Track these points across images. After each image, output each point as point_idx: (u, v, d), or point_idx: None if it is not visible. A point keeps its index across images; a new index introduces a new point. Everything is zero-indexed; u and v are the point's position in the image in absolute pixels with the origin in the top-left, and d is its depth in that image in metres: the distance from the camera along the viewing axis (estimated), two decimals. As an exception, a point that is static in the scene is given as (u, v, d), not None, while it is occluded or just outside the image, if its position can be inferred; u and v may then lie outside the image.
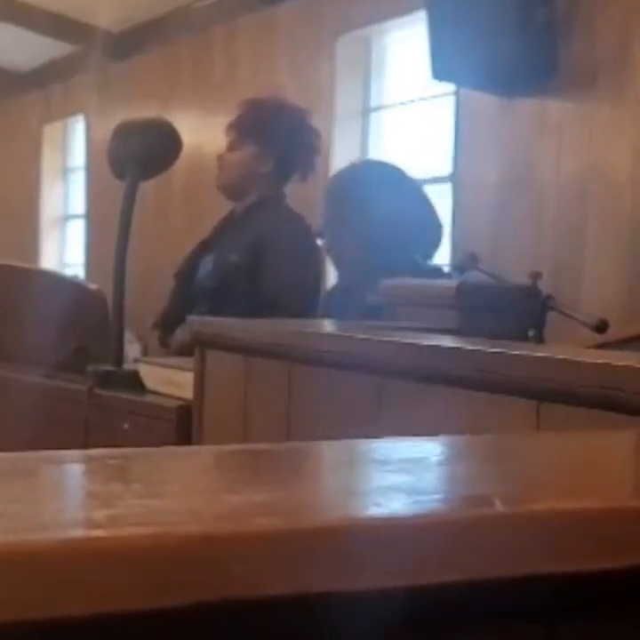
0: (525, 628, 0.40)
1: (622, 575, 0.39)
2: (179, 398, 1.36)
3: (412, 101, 3.43)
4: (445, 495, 0.41)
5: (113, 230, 1.63)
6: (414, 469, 0.44)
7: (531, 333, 1.13)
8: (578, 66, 2.64)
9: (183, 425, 1.30)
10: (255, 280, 1.87)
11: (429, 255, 1.69)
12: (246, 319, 1.35)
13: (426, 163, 3.30)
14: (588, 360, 0.72)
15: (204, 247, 2.03)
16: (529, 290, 1.16)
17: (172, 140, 1.70)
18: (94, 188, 4.84)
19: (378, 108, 3.60)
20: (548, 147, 2.74)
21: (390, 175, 1.74)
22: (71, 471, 0.42)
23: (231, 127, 2.01)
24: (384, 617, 0.36)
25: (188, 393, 1.29)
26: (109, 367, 1.54)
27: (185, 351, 1.54)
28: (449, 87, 2.98)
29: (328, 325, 1.26)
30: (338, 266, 1.74)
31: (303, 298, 1.84)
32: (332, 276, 1.82)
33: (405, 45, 3.41)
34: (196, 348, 1.24)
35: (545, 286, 1.19)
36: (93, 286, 1.84)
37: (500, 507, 0.38)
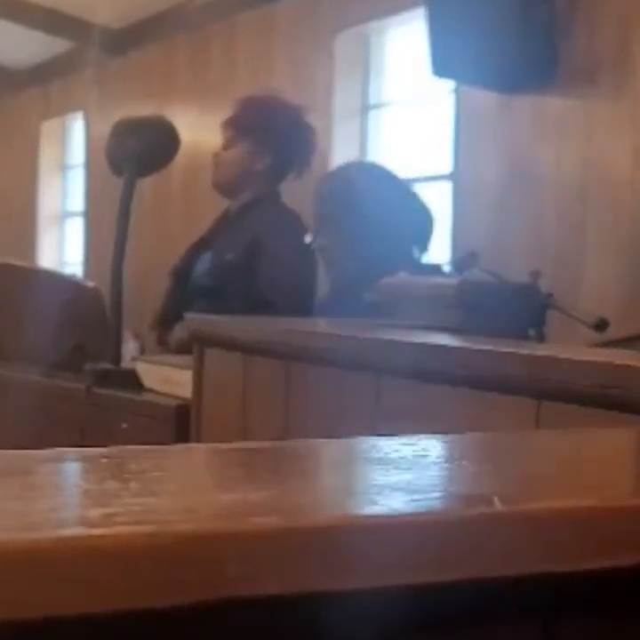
0: (524, 626, 0.40)
1: (622, 574, 0.39)
2: (177, 397, 1.36)
3: (412, 99, 3.43)
4: (444, 494, 0.41)
5: (112, 228, 1.62)
6: (413, 468, 0.44)
7: (530, 332, 1.13)
8: (578, 63, 2.64)
9: (181, 423, 1.29)
10: (251, 278, 1.87)
11: (424, 248, 1.71)
12: (245, 317, 1.35)
13: (425, 161, 3.29)
14: (588, 359, 0.72)
15: (201, 245, 2.03)
16: (529, 288, 1.16)
17: (170, 137, 1.70)
18: (93, 185, 4.84)
19: (377, 106, 3.60)
20: (547, 144, 2.74)
21: (379, 175, 1.77)
22: (68, 470, 0.42)
23: (227, 125, 2.01)
24: (382, 616, 0.36)
25: (186, 391, 1.28)
26: (107, 365, 1.53)
27: (183, 349, 1.54)
28: (448, 84, 2.97)
29: (327, 324, 1.25)
30: (333, 265, 1.74)
31: (299, 296, 1.84)
32: (323, 276, 1.82)
33: (404, 42, 3.41)
34: (194, 346, 1.23)
35: (545, 285, 1.18)
36: (91, 285, 1.83)
37: (499, 506, 0.37)
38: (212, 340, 1.21)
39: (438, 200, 3.10)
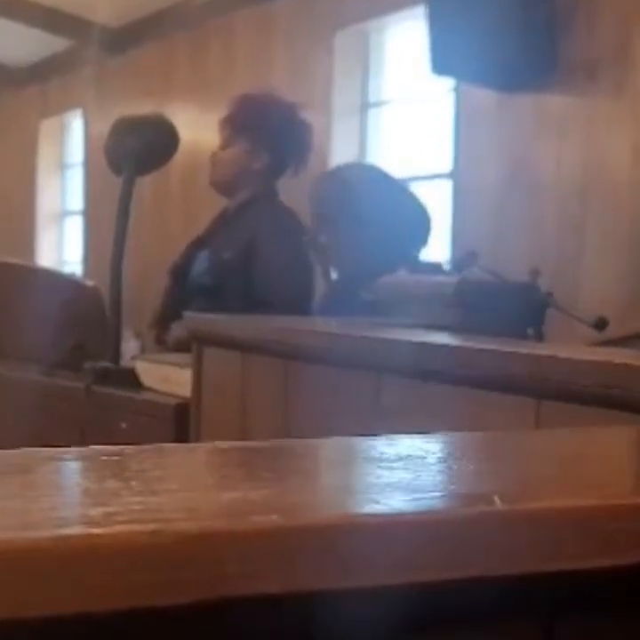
0: (524, 625, 0.40)
1: (622, 573, 0.39)
2: (176, 396, 1.36)
3: (411, 97, 3.43)
4: (444, 493, 0.41)
5: (111, 227, 1.62)
6: (413, 467, 0.44)
7: (529, 331, 1.13)
8: (578, 61, 2.63)
9: (181, 422, 1.29)
10: (249, 277, 1.88)
11: (422, 247, 1.72)
12: (243, 316, 1.35)
13: (425, 159, 3.29)
14: (588, 358, 0.72)
15: (199, 244, 2.03)
16: (528, 287, 1.16)
17: (169, 136, 1.70)
18: (92, 184, 4.83)
19: (376, 104, 3.59)
20: (547, 142, 2.74)
21: (375, 175, 1.79)
22: (68, 469, 0.42)
23: (223, 124, 2.01)
24: (383, 615, 0.36)
25: (185, 390, 1.28)
26: (107, 364, 1.53)
27: (181, 348, 1.54)
28: (448, 82, 2.97)
29: (326, 323, 1.25)
30: (332, 265, 1.74)
31: (296, 295, 1.84)
32: (320, 276, 1.83)
33: (404, 40, 3.41)
34: (193, 345, 1.23)
35: (544, 283, 1.18)
36: (90, 283, 1.83)
37: (499, 505, 0.37)
38: (211, 338, 1.21)
39: (438, 199, 3.10)
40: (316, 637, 0.36)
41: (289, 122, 1.98)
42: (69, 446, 0.43)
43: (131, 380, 1.48)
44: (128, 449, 0.44)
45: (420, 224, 1.73)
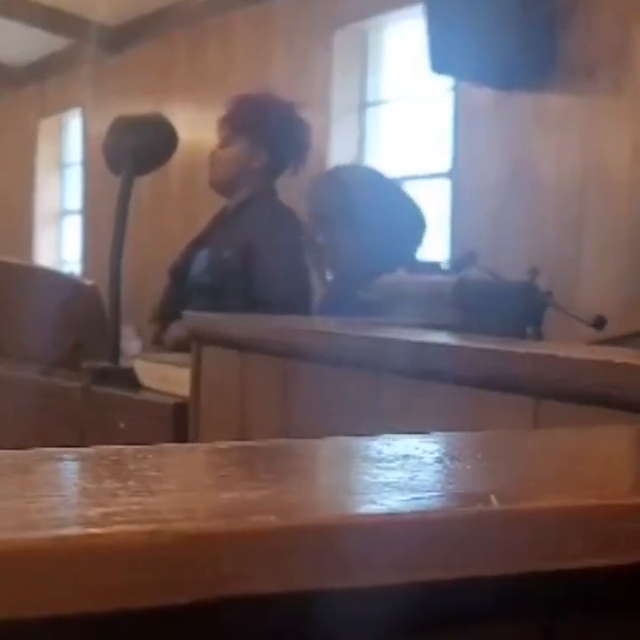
0: (523, 625, 0.40)
1: (621, 572, 0.39)
2: (175, 395, 1.36)
3: (410, 96, 3.43)
4: (442, 493, 0.41)
5: (110, 226, 1.62)
6: (411, 467, 0.44)
7: (529, 330, 1.13)
8: (577, 59, 2.63)
9: (179, 421, 1.29)
10: (248, 277, 1.88)
11: (418, 246, 1.74)
12: (242, 315, 1.35)
13: (424, 158, 3.29)
14: (587, 357, 0.72)
15: (198, 243, 2.04)
16: (527, 287, 1.16)
17: (168, 135, 1.70)
18: (91, 183, 4.83)
19: (375, 103, 3.59)
20: (546, 140, 2.74)
21: (370, 176, 1.82)
22: (66, 469, 0.42)
23: (222, 123, 2.02)
24: (381, 615, 0.36)
25: (184, 390, 1.28)
26: (105, 364, 1.53)
27: (180, 347, 1.54)
28: (447, 81, 2.97)
29: (325, 322, 1.25)
30: (329, 265, 1.75)
31: (295, 295, 1.85)
32: (315, 277, 1.84)
33: (403, 39, 3.40)
34: (192, 344, 1.23)
35: (543, 282, 1.18)
36: (89, 283, 1.83)
37: (496, 504, 0.37)
38: (210, 337, 1.20)
39: (436, 198, 3.10)
40: (314, 638, 0.36)
41: (287, 121, 1.99)
42: (68, 446, 0.43)
43: (129, 379, 1.48)
44: (126, 449, 0.44)
45: (415, 224, 1.75)
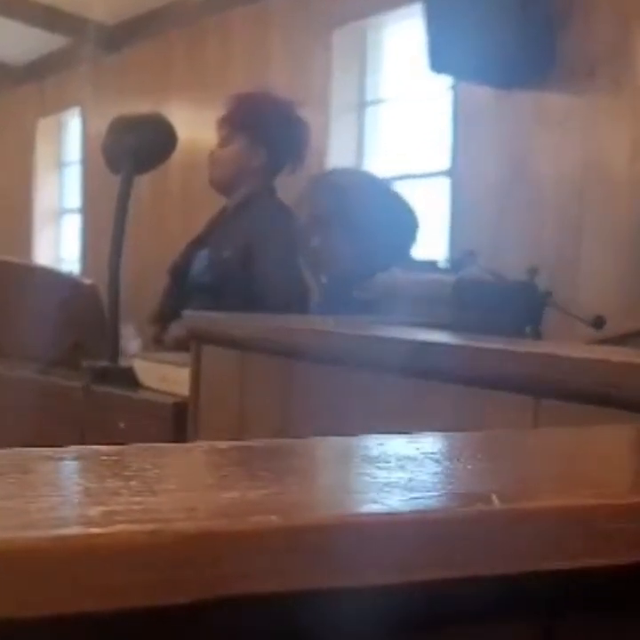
0: (523, 624, 0.40)
1: (621, 572, 0.39)
2: (174, 394, 1.36)
3: (409, 95, 3.43)
4: (442, 492, 0.41)
5: (109, 225, 1.62)
6: (411, 466, 0.44)
7: (528, 330, 1.13)
8: (576, 57, 2.63)
9: (179, 421, 1.29)
10: (248, 277, 1.88)
11: (413, 245, 1.75)
12: (242, 314, 1.35)
13: (423, 157, 3.29)
14: (586, 356, 0.72)
15: (198, 243, 2.04)
16: (526, 286, 1.16)
17: (168, 135, 1.70)
18: (90, 182, 4.82)
19: (374, 102, 3.59)
20: (546, 139, 2.74)
21: (363, 178, 1.86)
22: (66, 468, 0.42)
23: (221, 123, 2.02)
24: (381, 614, 0.36)
25: (183, 389, 1.28)
26: (105, 363, 1.53)
27: (180, 347, 1.54)
28: (446, 80, 2.97)
29: (325, 321, 1.25)
30: (327, 266, 1.75)
31: (294, 294, 1.85)
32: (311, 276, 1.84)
33: (402, 38, 3.40)
34: (191, 343, 1.23)
35: (543, 282, 1.18)
36: (88, 282, 1.83)
37: (497, 504, 0.38)
38: (210, 337, 1.20)
39: (436, 197, 3.10)
40: (314, 637, 0.36)
41: (286, 119, 1.99)
42: (67, 445, 0.43)
43: (129, 378, 1.48)
44: (127, 448, 0.44)
45: (408, 224, 1.77)
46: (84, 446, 0.44)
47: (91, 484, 0.39)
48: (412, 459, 0.46)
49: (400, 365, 0.86)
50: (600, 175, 2.61)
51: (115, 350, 1.55)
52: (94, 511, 0.34)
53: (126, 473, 0.40)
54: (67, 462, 0.42)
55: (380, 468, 0.43)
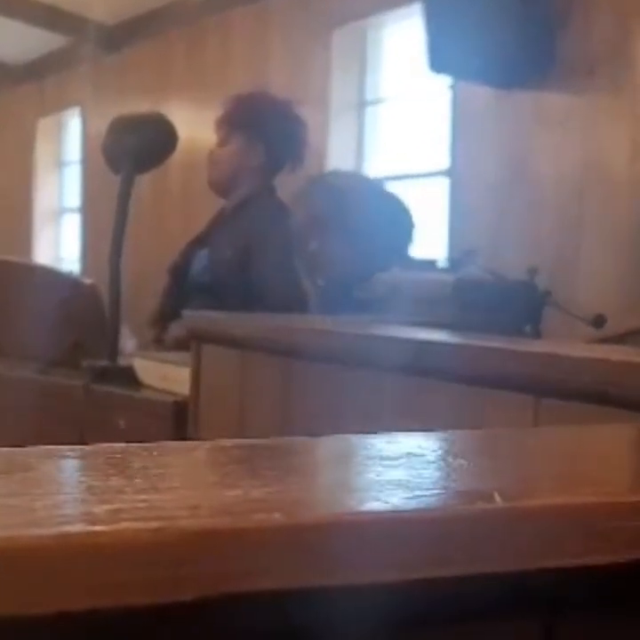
0: (524, 622, 0.40)
1: (621, 570, 0.39)
2: (175, 394, 1.36)
3: (409, 94, 3.43)
4: (444, 490, 0.41)
5: (109, 225, 1.62)
6: (413, 464, 0.44)
7: (527, 329, 1.14)
8: (576, 57, 2.63)
9: (179, 420, 1.30)
10: (248, 276, 1.88)
11: (410, 244, 1.76)
12: (242, 314, 1.35)
13: (422, 157, 3.29)
14: (586, 355, 0.72)
15: (198, 242, 2.04)
16: (526, 285, 1.16)
17: (168, 134, 1.71)
18: (90, 181, 4.82)
19: (374, 102, 3.59)
20: (546, 139, 2.74)
21: (358, 181, 1.90)
22: (70, 466, 0.42)
23: (219, 123, 2.02)
24: (383, 611, 0.36)
25: (183, 388, 1.28)
26: (105, 362, 1.53)
27: (180, 346, 1.54)
28: (446, 80, 2.97)
29: (325, 321, 1.26)
30: (325, 267, 1.76)
31: (294, 294, 1.85)
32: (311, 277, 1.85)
33: (402, 37, 3.40)
34: (191, 343, 1.23)
35: (543, 281, 1.19)
36: (89, 281, 1.83)
37: (499, 502, 0.38)
38: (210, 336, 1.21)
39: (435, 196, 3.10)
40: (318, 634, 0.36)
41: (284, 118, 1.99)
42: (68, 444, 0.43)
43: (129, 378, 1.48)
44: (130, 447, 0.44)
45: (405, 224, 1.77)
46: (86, 445, 0.44)
47: (95, 482, 0.39)
48: (415, 457, 0.46)
49: (400, 365, 0.86)
50: (600, 175, 2.61)
51: (114, 350, 1.55)
52: (98, 509, 0.34)
53: (130, 471, 0.40)
54: (71, 460, 0.43)
55: (383, 466, 0.44)
